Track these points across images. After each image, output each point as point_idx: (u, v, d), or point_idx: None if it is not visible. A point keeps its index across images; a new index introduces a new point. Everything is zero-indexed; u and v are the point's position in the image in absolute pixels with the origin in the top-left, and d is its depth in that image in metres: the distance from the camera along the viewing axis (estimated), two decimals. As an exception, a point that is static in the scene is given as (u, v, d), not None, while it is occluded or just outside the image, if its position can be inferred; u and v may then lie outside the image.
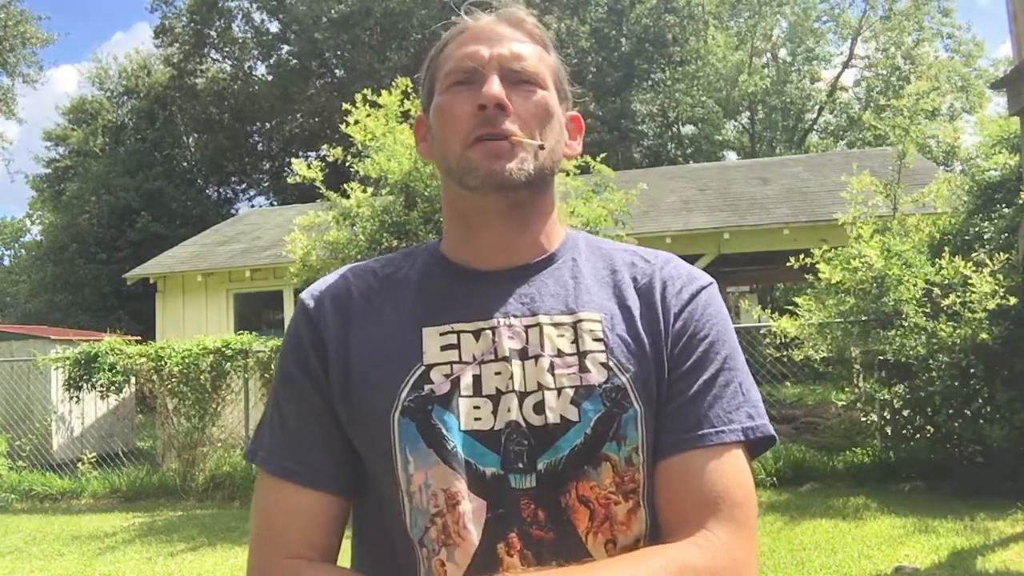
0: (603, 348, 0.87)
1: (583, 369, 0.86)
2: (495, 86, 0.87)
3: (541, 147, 0.89)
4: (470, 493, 0.83)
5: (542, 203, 0.94)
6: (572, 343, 0.87)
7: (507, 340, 0.87)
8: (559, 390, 0.85)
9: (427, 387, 0.86)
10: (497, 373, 0.86)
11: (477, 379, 0.86)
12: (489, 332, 0.88)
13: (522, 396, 0.85)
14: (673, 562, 0.77)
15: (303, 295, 0.97)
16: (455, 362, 0.87)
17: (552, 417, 0.84)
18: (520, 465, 0.83)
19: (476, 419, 0.84)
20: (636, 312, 0.90)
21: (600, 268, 0.95)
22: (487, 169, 0.86)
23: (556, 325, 0.89)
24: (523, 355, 0.87)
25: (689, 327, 0.90)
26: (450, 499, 0.82)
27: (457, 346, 0.88)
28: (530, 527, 0.82)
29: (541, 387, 0.85)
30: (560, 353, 0.87)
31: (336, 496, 0.88)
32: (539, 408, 0.84)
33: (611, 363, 0.86)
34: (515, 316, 0.89)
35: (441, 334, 0.89)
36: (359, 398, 0.88)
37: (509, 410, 0.85)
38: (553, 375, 0.86)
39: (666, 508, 0.85)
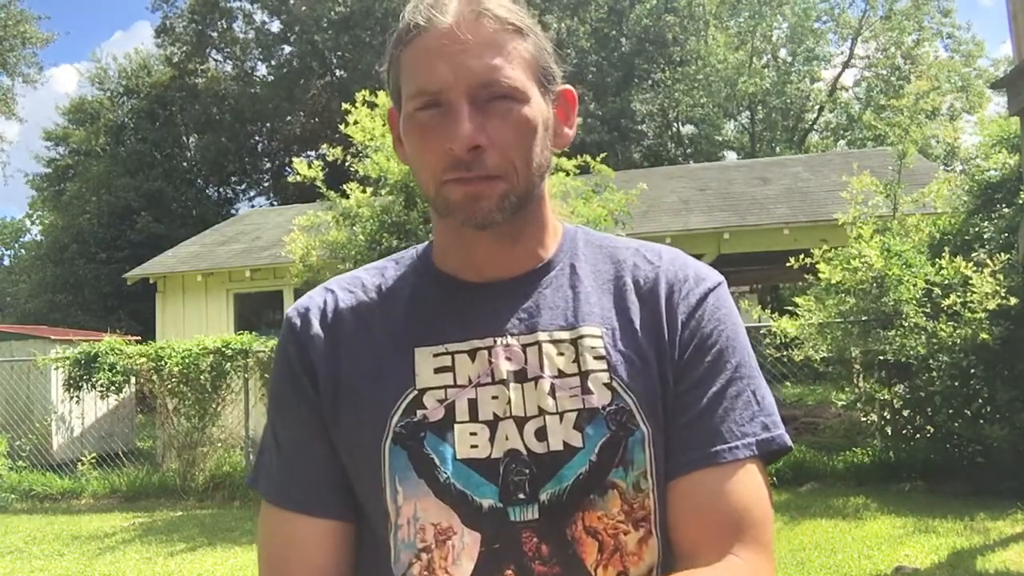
0: (606, 367, 0.82)
1: (585, 391, 0.81)
2: (465, 127, 0.77)
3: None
4: (464, 527, 0.78)
5: (533, 213, 0.88)
6: (573, 362, 0.82)
7: (504, 362, 0.82)
8: (561, 414, 0.80)
9: (420, 412, 0.81)
10: (494, 397, 0.81)
11: (473, 403, 0.81)
12: (485, 352, 0.83)
13: (521, 422, 0.80)
14: None
15: (289, 312, 0.92)
16: (450, 386, 0.82)
17: (554, 444, 0.79)
18: (521, 496, 0.78)
19: (472, 447, 0.80)
20: (639, 322, 0.85)
21: (600, 272, 0.89)
22: (466, 213, 0.81)
23: (556, 343, 0.83)
24: (521, 377, 0.82)
25: (697, 335, 0.84)
26: (440, 534, 0.78)
27: (452, 368, 0.83)
28: (531, 562, 0.77)
29: (542, 412, 0.80)
30: (561, 374, 0.82)
31: (340, 521, 0.85)
32: (541, 434, 0.80)
33: (615, 383, 0.81)
34: (512, 334, 0.84)
35: (435, 355, 0.84)
36: (348, 423, 0.84)
37: (507, 438, 0.80)
38: (554, 398, 0.81)
39: (683, 530, 0.80)
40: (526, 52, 0.82)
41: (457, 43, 0.79)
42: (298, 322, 0.90)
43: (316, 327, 0.88)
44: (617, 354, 0.83)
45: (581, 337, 0.84)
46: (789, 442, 0.84)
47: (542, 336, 0.84)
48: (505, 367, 0.82)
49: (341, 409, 0.84)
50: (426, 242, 0.97)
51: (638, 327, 0.85)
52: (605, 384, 0.81)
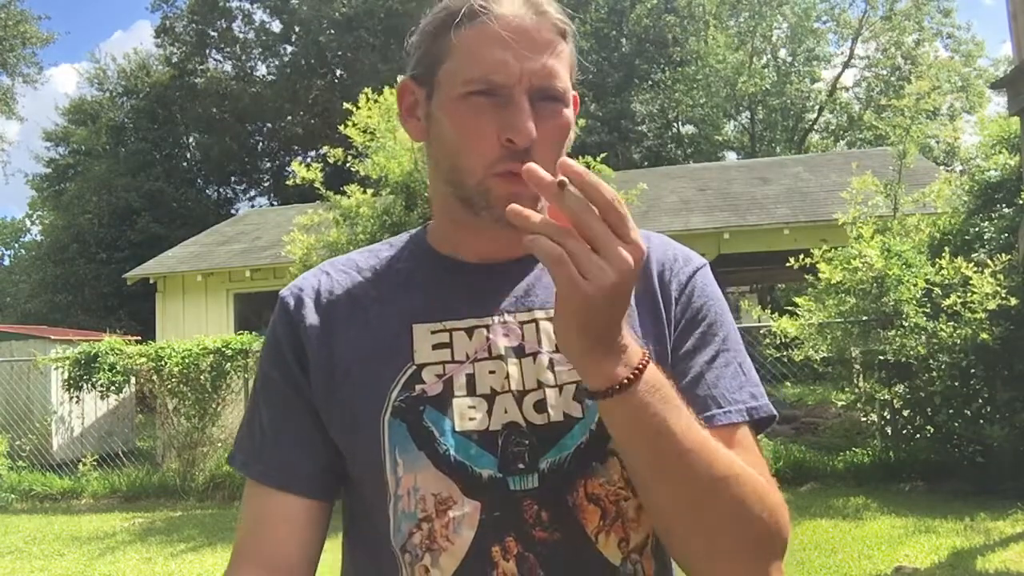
0: None
1: None
2: (529, 122, 0.79)
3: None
4: (464, 497, 0.80)
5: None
6: None
7: (502, 338, 0.84)
8: (560, 387, 0.82)
9: (419, 387, 0.83)
10: (491, 372, 0.83)
11: (471, 378, 0.83)
12: (483, 329, 0.85)
13: (520, 395, 0.82)
14: (760, 480, 0.77)
15: (282, 293, 0.93)
16: (448, 361, 0.84)
17: (555, 415, 0.81)
18: (520, 466, 0.80)
19: (471, 419, 0.82)
20: (633, 299, 0.86)
21: None
22: (503, 212, 0.81)
23: (553, 319, 0.85)
24: (520, 353, 0.84)
25: (687, 311, 0.88)
26: (440, 504, 0.80)
27: (450, 345, 0.85)
28: (532, 528, 0.79)
29: (541, 385, 0.83)
30: (558, 348, 0.82)
31: (314, 500, 0.86)
32: (540, 406, 0.82)
33: None
34: (509, 312, 0.86)
35: (433, 332, 0.85)
36: (346, 399, 0.85)
37: (506, 411, 0.82)
38: (553, 372, 0.83)
39: None
40: (569, 56, 0.85)
41: (524, 39, 0.80)
42: (291, 302, 0.91)
43: (309, 308, 0.90)
44: None
45: None
46: (774, 411, 0.87)
47: (539, 314, 0.86)
48: (503, 343, 0.84)
49: (337, 388, 0.85)
50: (419, 227, 0.98)
51: (633, 304, 0.86)
52: None
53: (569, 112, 0.84)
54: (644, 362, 0.72)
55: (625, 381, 0.70)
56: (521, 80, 0.80)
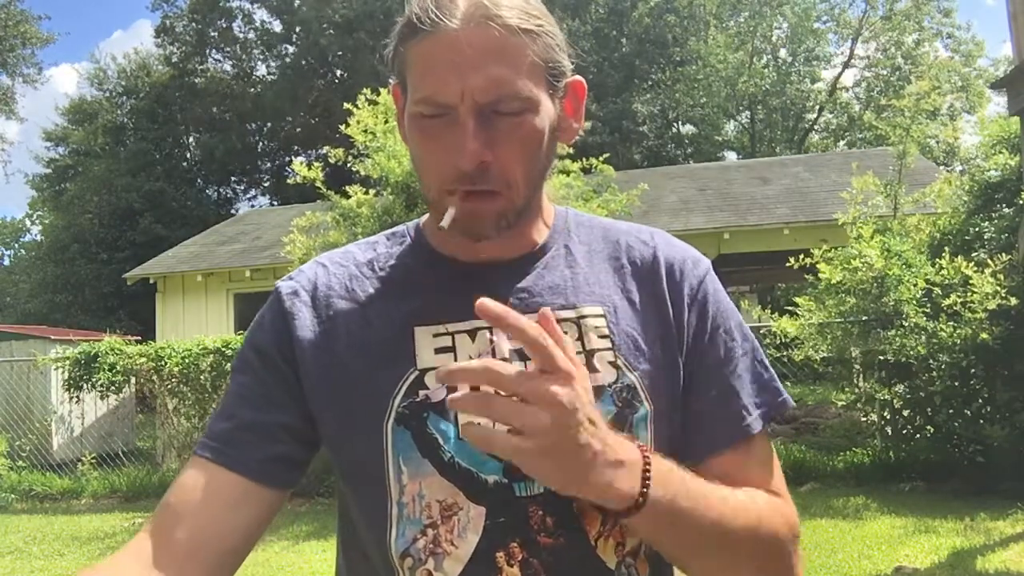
0: (610, 345, 0.83)
1: (591, 369, 0.81)
2: (472, 145, 0.76)
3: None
4: (469, 502, 0.79)
5: (530, 209, 0.88)
6: (577, 340, 0.83)
7: (505, 340, 0.82)
8: None
9: (422, 393, 0.81)
10: None
11: None
12: (486, 331, 0.83)
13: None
14: (777, 506, 0.83)
15: (279, 284, 0.90)
16: None
17: None
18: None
19: (475, 424, 0.80)
20: (639, 301, 0.87)
21: (595, 251, 0.91)
22: (463, 227, 0.80)
23: (558, 322, 0.81)
24: (524, 355, 0.80)
25: (701, 318, 0.87)
26: (445, 510, 0.79)
27: (453, 348, 0.83)
28: (537, 534, 0.79)
29: None
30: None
31: (251, 481, 0.81)
32: None
33: (619, 362, 0.83)
34: None
35: (435, 335, 0.83)
36: (345, 399, 0.83)
37: None
38: None
39: None
40: (535, 55, 0.79)
41: (464, 55, 0.76)
42: (286, 294, 0.89)
43: (305, 302, 0.88)
44: (621, 333, 0.85)
45: (583, 317, 0.85)
46: (792, 403, 0.90)
47: None
48: (507, 345, 0.82)
49: (335, 387, 0.84)
50: (417, 220, 0.95)
51: (639, 306, 0.87)
52: (610, 362, 0.83)
53: (538, 119, 0.80)
54: (647, 466, 0.72)
55: (641, 497, 0.71)
56: (464, 98, 0.77)
